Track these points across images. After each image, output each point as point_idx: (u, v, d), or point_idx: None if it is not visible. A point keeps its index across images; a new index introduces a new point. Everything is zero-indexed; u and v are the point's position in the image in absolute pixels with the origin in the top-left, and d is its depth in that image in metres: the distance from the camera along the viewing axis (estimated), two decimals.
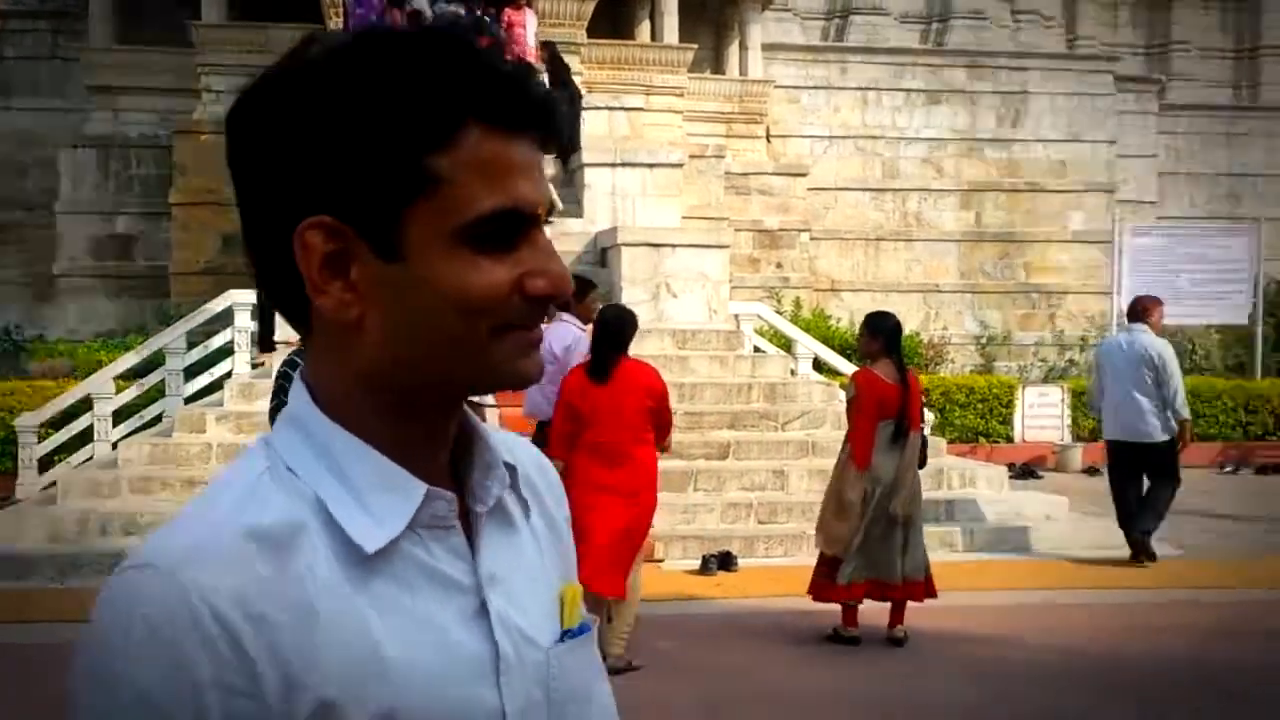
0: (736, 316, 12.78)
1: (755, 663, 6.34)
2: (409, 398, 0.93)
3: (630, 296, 11.45)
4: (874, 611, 6.66)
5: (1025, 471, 13.86)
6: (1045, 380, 17.32)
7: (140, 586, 0.82)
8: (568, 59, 15.57)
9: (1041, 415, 15.35)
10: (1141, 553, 8.83)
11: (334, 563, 0.87)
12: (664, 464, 6.59)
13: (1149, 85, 23.43)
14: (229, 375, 11.56)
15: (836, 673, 6.17)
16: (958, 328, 20.10)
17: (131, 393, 11.80)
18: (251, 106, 0.92)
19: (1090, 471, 14.21)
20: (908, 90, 20.65)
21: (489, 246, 0.90)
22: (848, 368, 12.30)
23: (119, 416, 11.71)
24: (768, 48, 19.90)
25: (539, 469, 1.07)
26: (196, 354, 12.07)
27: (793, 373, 12.17)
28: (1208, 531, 10.12)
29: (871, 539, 6.51)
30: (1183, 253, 15.95)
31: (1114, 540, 9.15)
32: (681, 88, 17.70)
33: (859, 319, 7.13)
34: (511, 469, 1.01)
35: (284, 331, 10.74)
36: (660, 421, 6.17)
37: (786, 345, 13.17)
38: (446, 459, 0.97)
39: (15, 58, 19.06)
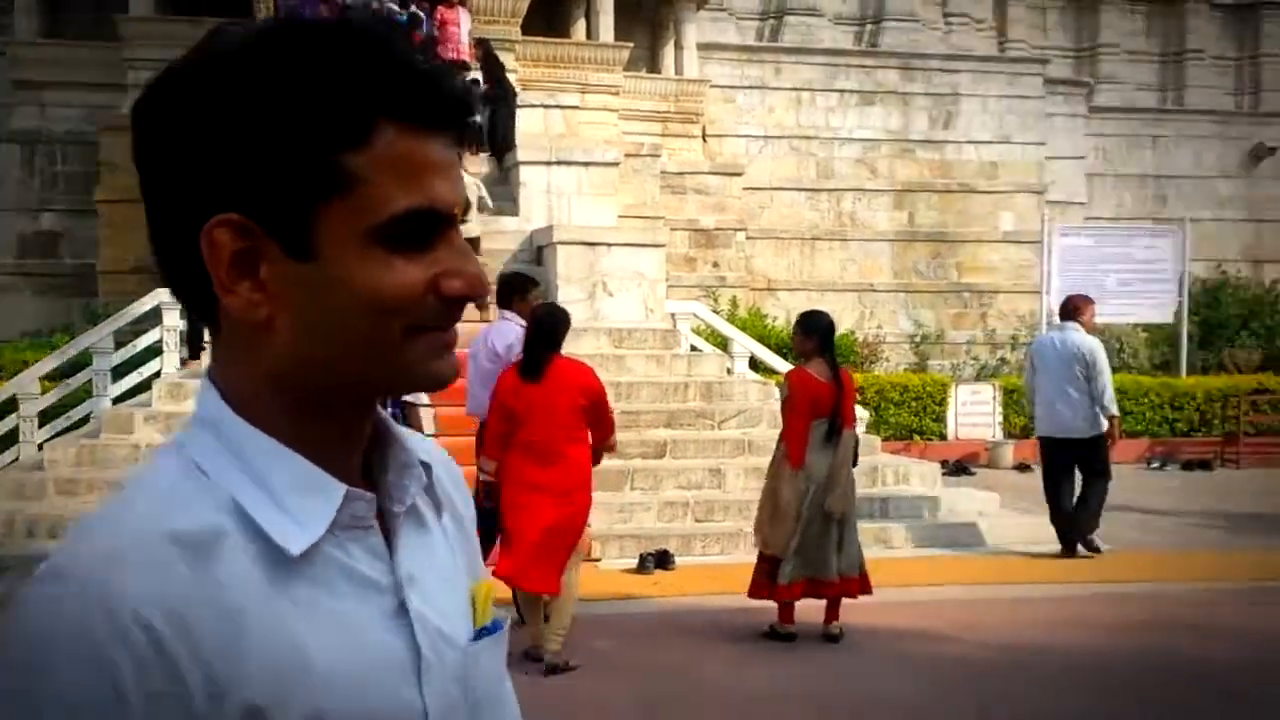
0: (673, 315, 12.81)
1: (693, 661, 6.35)
2: (321, 398, 0.91)
3: (566, 295, 11.43)
4: (810, 608, 6.70)
5: (958, 468, 14.04)
6: (977, 378, 17.56)
7: (60, 595, 0.80)
8: (502, 56, 15.50)
9: (974, 413, 15.56)
10: (1088, 549, 9.07)
11: (255, 567, 0.85)
12: (600, 463, 6.58)
13: (1078, 88, 23.84)
14: (158, 375, 11.36)
15: (773, 670, 6.20)
16: (892, 327, 20.31)
17: (58, 393, 11.57)
18: (158, 100, 0.89)
19: (1021, 468, 14.43)
20: (841, 91, 20.83)
21: (404, 246, 0.88)
22: (784, 366, 12.37)
23: (45, 417, 11.47)
24: (703, 47, 19.96)
25: (447, 469, 1.07)
26: (124, 354, 11.85)
27: (729, 371, 12.22)
28: (1136, 526, 10.32)
29: (808, 538, 6.56)
30: (1110, 253, 16.24)
31: (1045, 535, 9.30)
32: (617, 86, 17.71)
33: (795, 318, 7.18)
34: (428, 467, 1.00)
35: None
36: (599, 420, 6.17)
37: (723, 344, 13.22)
38: (360, 459, 0.96)
39: None
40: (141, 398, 10.95)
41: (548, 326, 6.18)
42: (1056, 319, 15.53)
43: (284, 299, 0.88)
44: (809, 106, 20.74)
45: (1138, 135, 24.85)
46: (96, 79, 16.58)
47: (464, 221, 0.94)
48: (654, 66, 20.05)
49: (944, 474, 11.62)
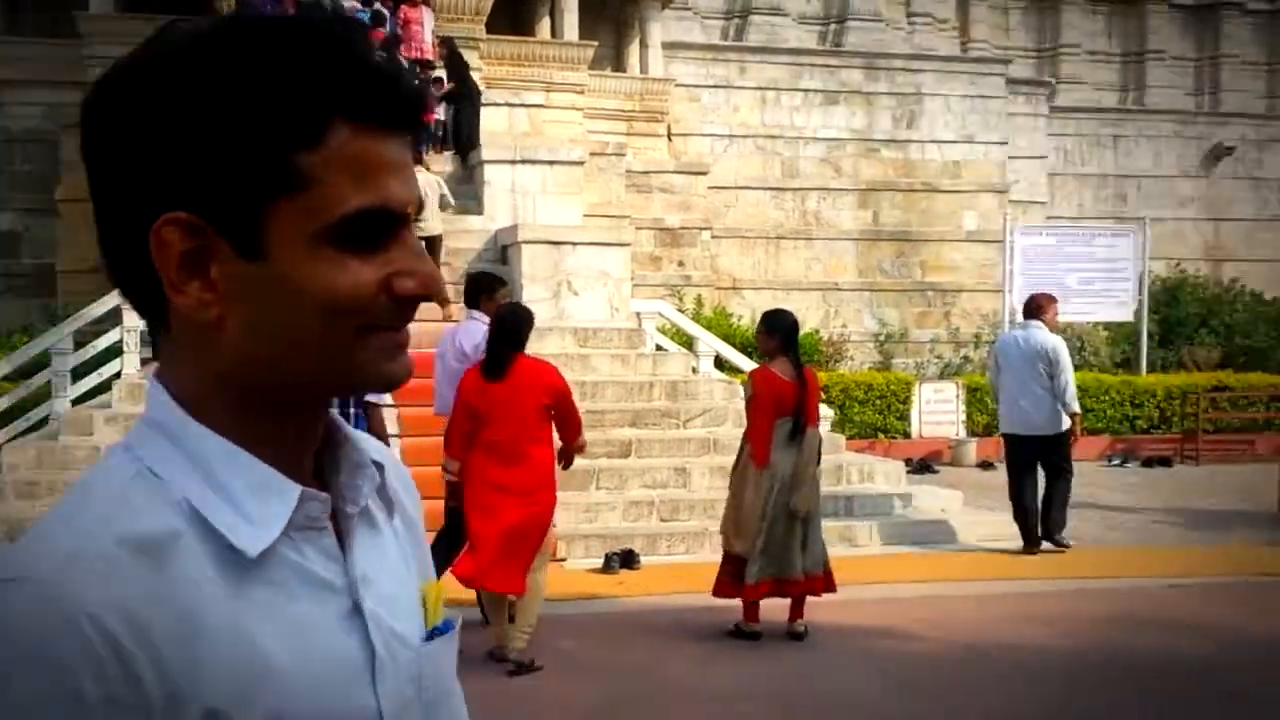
0: (638, 314, 12.81)
1: (657, 660, 6.35)
2: (273, 399, 0.91)
3: (531, 294, 11.41)
4: (775, 607, 6.72)
5: (922, 466, 14.12)
6: (941, 377, 17.67)
7: (15, 601, 0.78)
8: (466, 55, 15.46)
9: (937, 411, 15.65)
10: (1057, 546, 9.22)
11: (211, 569, 0.85)
12: (572, 465, 6.57)
13: (1039, 88, 24.03)
14: (118, 376, 11.24)
15: (738, 669, 6.21)
16: (857, 325, 20.39)
17: (17, 394, 11.42)
18: (107, 97, 0.88)
19: (984, 466, 14.53)
20: (806, 90, 20.89)
21: (356, 245, 0.87)
22: (749, 365, 12.40)
23: (4, 419, 11.33)
24: (668, 46, 19.98)
25: (396, 469, 1.06)
26: (84, 355, 11.72)
27: (694, 370, 12.23)
28: (1098, 523, 10.41)
29: (774, 536, 6.57)
30: (1071, 252, 16.38)
31: (1009, 532, 9.38)
32: (582, 85, 17.69)
33: (760, 317, 7.20)
34: (380, 467, 1.00)
35: None
36: (565, 420, 6.16)
37: (688, 343, 13.23)
38: (312, 460, 0.96)
39: None
40: (102, 399, 10.84)
41: (511, 325, 6.17)
42: (1019, 317, 15.70)
43: (235, 299, 0.87)
44: (774, 106, 20.80)
45: (1099, 135, 25.09)
46: (57, 77, 16.36)
47: (418, 221, 0.94)
48: (619, 65, 20.04)
49: (908, 472, 11.69)
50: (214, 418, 0.90)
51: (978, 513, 10.26)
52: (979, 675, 6.11)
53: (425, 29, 15.56)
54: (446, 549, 6.37)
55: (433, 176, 12.00)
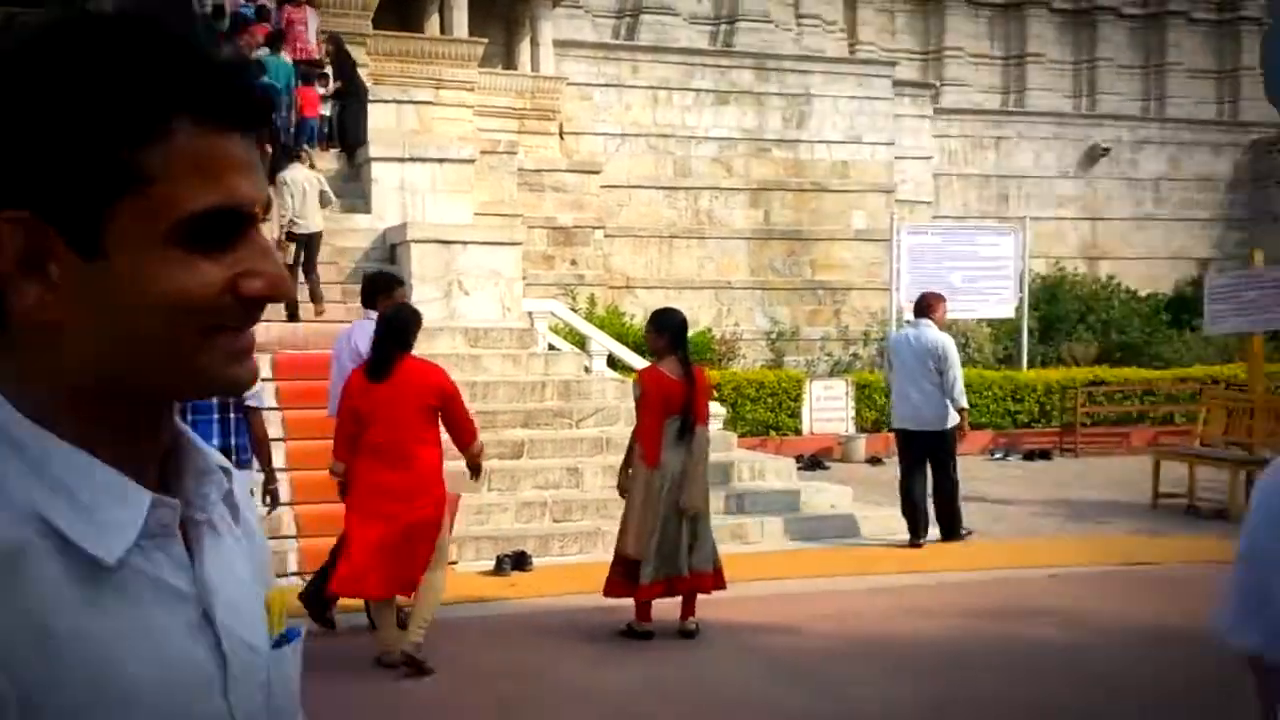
0: (530, 314, 12.73)
1: (549, 662, 6.30)
2: (117, 403, 0.89)
3: (421, 294, 11.25)
4: (668, 606, 6.72)
5: (813, 463, 14.28)
6: (831, 374, 17.90)
7: None
8: (353, 51, 15.21)
9: (828, 408, 15.85)
10: (957, 536, 9.48)
11: (63, 580, 0.83)
12: (454, 464, 6.48)
13: (925, 90, 24.52)
14: None
15: (630, 669, 6.20)
16: (749, 324, 20.57)
17: None
18: None
19: (873, 461, 14.76)
20: (698, 90, 21.02)
21: (203, 245, 0.86)
22: (642, 364, 12.34)
23: None
24: (559, 44, 19.92)
25: (233, 474, 1.05)
26: None
27: (587, 370, 12.20)
28: (982, 515, 10.62)
29: (666, 536, 6.57)
30: (955, 250, 16.72)
31: (898, 526, 9.53)
32: (472, 82, 17.54)
33: (649, 316, 7.20)
34: (228, 473, 0.99)
35: None
36: (454, 423, 6.06)
37: (581, 343, 13.20)
38: (158, 467, 0.94)
39: None
40: None
41: (397, 325, 6.08)
42: (906, 315, 15.97)
43: (76, 300, 0.85)
44: (666, 105, 20.88)
45: (981, 136, 25.69)
46: None
47: (265, 220, 0.92)
48: (510, 63, 19.92)
49: (799, 468, 11.82)
50: (57, 422, 0.87)
51: (867, 507, 10.41)
52: (870, 667, 6.19)
53: (309, 28, 15.31)
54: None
55: (311, 173, 11.76)
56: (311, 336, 10.58)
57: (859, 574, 8.50)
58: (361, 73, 15.25)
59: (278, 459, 8.02)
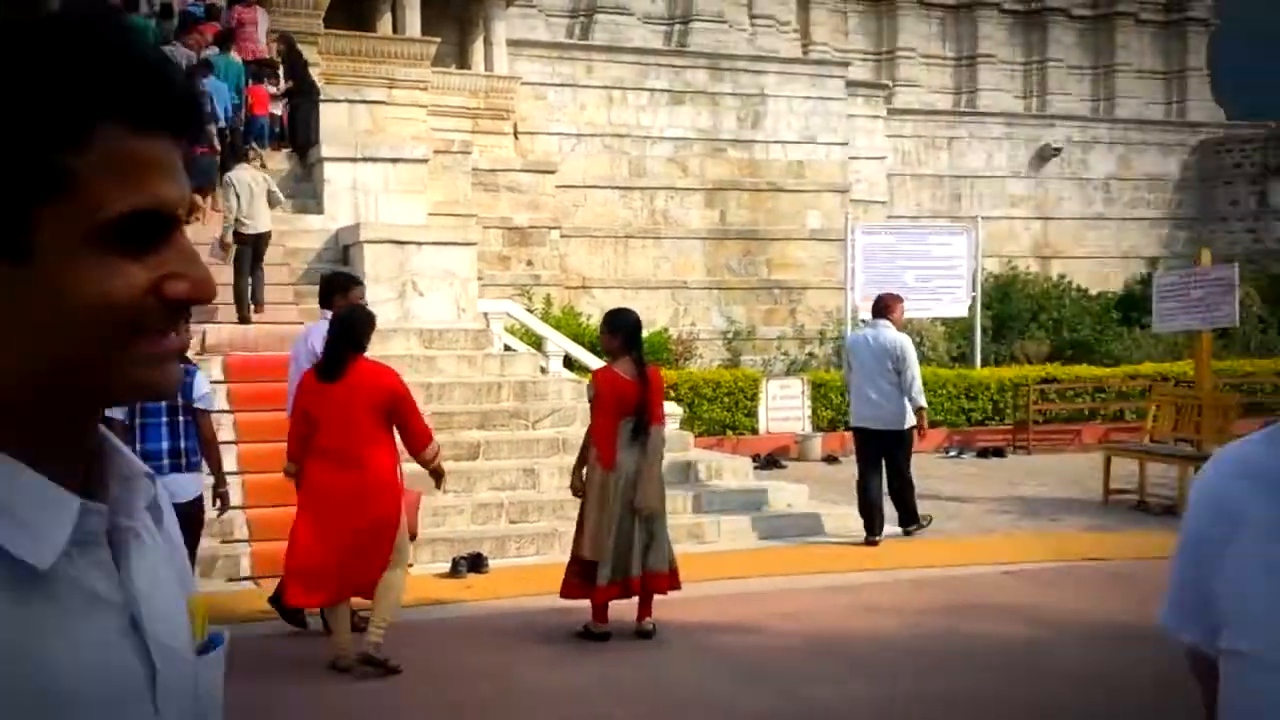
0: (486, 315, 12.67)
1: (506, 663, 6.27)
2: (42, 408, 0.88)
3: (375, 295, 11.14)
4: (624, 606, 6.70)
5: (769, 461, 14.31)
6: (787, 373, 17.95)
7: None
8: (305, 50, 15.08)
9: (784, 407, 15.90)
10: (918, 526, 9.70)
11: None
12: (411, 466, 6.43)
13: (878, 90, 24.70)
14: None
15: (586, 670, 6.17)
16: (705, 323, 20.61)
17: None
18: None
19: (830, 460, 14.82)
20: (652, 90, 21.03)
21: (126, 248, 0.86)
22: (598, 364, 12.37)
23: None
24: (513, 44, 19.86)
25: (156, 480, 1.04)
26: None
27: (543, 370, 12.16)
28: (937, 513, 10.67)
29: (622, 536, 6.56)
30: (909, 250, 16.82)
31: (854, 525, 9.57)
32: (425, 82, 17.44)
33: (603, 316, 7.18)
34: (152, 479, 0.98)
35: None
36: (404, 426, 6.00)
37: (537, 343, 13.15)
38: (83, 472, 0.92)
39: None
40: None
41: (350, 326, 6.04)
42: (861, 314, 16.06)
43: (1, 303, 0.85)
44: (620, 105, 20.88)
45: (934, 136, 25.91)
46: None
47: (188, 222, 0.90)
48: (463, 62, 19.84)
49: (756, 468, 11.84)
50: None
51: (824, 506, 10.44)
52: (827, 666, 6.20)
53: (259, 28, 15.17)
54: None
55: (259, 173, 11.64)
56: (263, 339, 10.48)
57: (816, 572, 8.52)
58: (313, 72, 15.13)
59: (229, 462, 7.94)
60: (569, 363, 12.98)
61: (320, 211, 13.31)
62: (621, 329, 6.66)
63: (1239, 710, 1.02)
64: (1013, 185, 26.33)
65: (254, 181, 11.16)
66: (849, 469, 9.85)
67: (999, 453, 15.92)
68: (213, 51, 14.05)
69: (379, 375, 5.97)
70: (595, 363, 12.61)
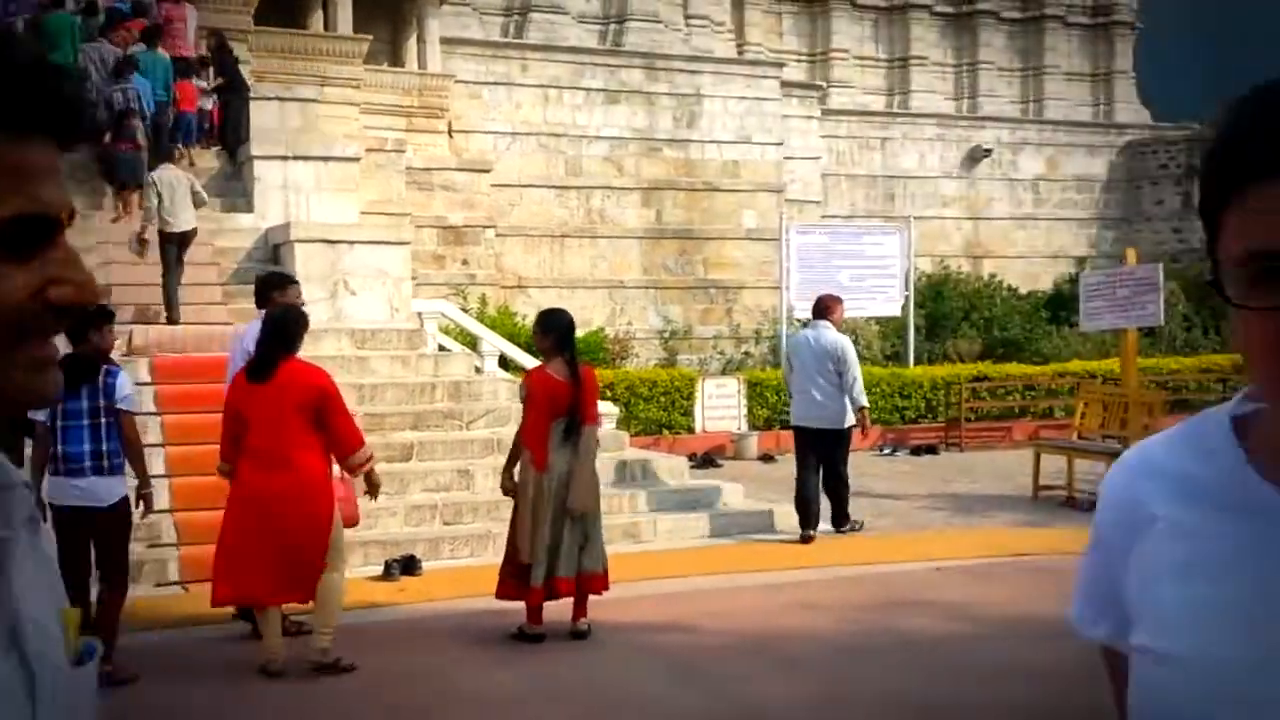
0: (420, 314, 12.57)
1: (439, 666, 6.22)
2: None
3: (306, 295, 10.91)
4: (560, 608, 6.68)
5: (706, 460, 14.35)
6: (724, 372, 18.02)
7: None
8: (235, 48, 14.86)
9: (720, 406, 15.95)
10: (853, 528, 9.81)
11: None
12: (376, 491, 6.32)
13: (812, 91, 24.86)
14: None
15: (521, 671, 6.14)
16: (642, 323, 20.61)
17: None
18: None
19: (766, 459, 14.89)
20: (588, 89, 20.99)
21: (9, 252, 0.85)
22: (534, 364, 12.34)
23: None
24: (447, 42, 19.73)
25: (32, 489, 1.02)
26: None
27: (478, 370, 12.09)
28: (870, 510, 10.77)
29: (556, 537, 6.54)
30: (843, 250, 16.96)
31: (789, 523, 9.62)
32: (358, 80, 17.26)
33: (535, 317, 7.16)
34: (30, 488, 0.96)
35: None
36: (331, 429, 5.87)
37: (472, 343, 13.07)
38: None
39: None
40: None
41: (281, 326, 5.97)
42: (797, 314, 16.16)
43: None
44: (556, 104, 20.81)
45: (867, 137, 26.13)
46: None
47: (69, 225, 0.90)
48: (396, 60, 19.67)
49: (692, 466, 11.86)
50: None
51: (761, 504, 10.48)
52: (762, 664, 6.22)
53: (188, 25, 14.93)
54: None
55: (182, 172, 11.47)
56: (191, 340, 10.30)
57: (751, 570, 8.55)
58: (243, 70, 14.91)
59: (156, 465, 7.81)
60: (504, 363, 12.92)
61: (250, 210, 13.12)
62: (554, 329, 6.64)
63: (1148, 706, 1.03)
64: (945, 185, 26.64)
65: (176, 180, 11.00)
66: (785, 467, 9.90)
67: (932, 450, 16.09)
68: (139, 48, 13.80)
69: (309, 375, 5.90)
70: (531, 362, 12.55)
